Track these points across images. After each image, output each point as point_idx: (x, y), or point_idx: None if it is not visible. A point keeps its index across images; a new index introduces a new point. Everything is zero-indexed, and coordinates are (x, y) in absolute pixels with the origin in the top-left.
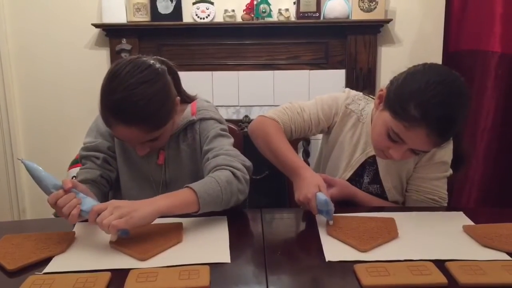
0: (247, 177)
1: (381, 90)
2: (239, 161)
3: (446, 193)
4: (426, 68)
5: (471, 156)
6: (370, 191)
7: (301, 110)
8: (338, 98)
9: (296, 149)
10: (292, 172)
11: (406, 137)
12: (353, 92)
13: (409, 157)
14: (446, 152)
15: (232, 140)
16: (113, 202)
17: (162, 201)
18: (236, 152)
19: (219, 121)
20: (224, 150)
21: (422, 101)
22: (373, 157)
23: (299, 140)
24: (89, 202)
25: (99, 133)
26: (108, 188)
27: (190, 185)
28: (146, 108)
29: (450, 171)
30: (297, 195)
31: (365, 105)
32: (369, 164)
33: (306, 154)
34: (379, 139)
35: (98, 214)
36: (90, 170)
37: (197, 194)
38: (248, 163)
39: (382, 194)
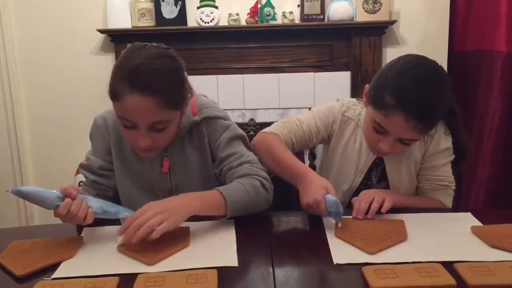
0: (272, 186)
1: (366, 87)
2: (262, 168)
3: (453, 176)
4: (400, 58)
5: (469, 151)
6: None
7: (300, 122)
8: (333, 107)
9: (302, 152)
10: (297, 177)
11: (387, 125)
12: (347, 99)
13: (401, 150)
14: (448, 138)
15: (246, 139)
16: (151, 207)
17: (197, 202)
18: (254, 156)
19: (224, 119)
20: (245, 157)
21: (395, 88)
22: (380, 157)
23: None
24: (94, 201)
25: (95, 149)
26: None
27: (221, 189)
28: (165, 79)
29: (453, 155)
30: (305, 199)
31: (361, 109)
32: (376, 165)
33: (313, 156)
34: (368, 134)
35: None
36: (86, 187)
37: (226, 200)
38: (265, 168)
39: None
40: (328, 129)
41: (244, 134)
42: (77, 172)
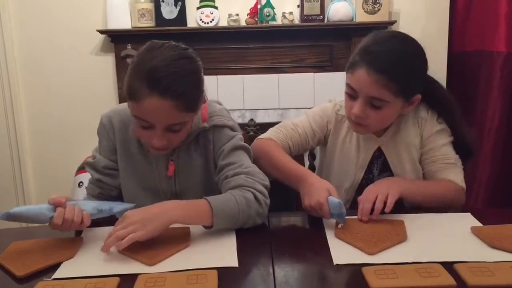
0: (268, 201)
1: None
2: (260, 181)
3: (457, 155)
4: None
5: (476, 148)
6: None
7: (295, 126)
8: (326, 108)
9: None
10: (298, 180)
11: (354, 84)
12: (339, 99)
13: (375, 117)
14: (442, 122)
15: (250, 151)
16: (129, 215)
17: (178, 211)
18: (255, 169)
19: (232, 129)
20: (244, 167)
21: (363, 47)
22: (378, 149)
23: None
24: (86, 204)
25: (101, 148)
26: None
27: (209, 198)
28: (185, 82)
29: (451, 137)
30: (308, 201)
31: None
32: (376, 158)
33: (312, 157)
34: (346, 105)
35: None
36: (92, 185)
37: (213, 210)
38: (267, 181)
39: None
40: (323, 130)
41: (249, 146)
42: (77, 172)
